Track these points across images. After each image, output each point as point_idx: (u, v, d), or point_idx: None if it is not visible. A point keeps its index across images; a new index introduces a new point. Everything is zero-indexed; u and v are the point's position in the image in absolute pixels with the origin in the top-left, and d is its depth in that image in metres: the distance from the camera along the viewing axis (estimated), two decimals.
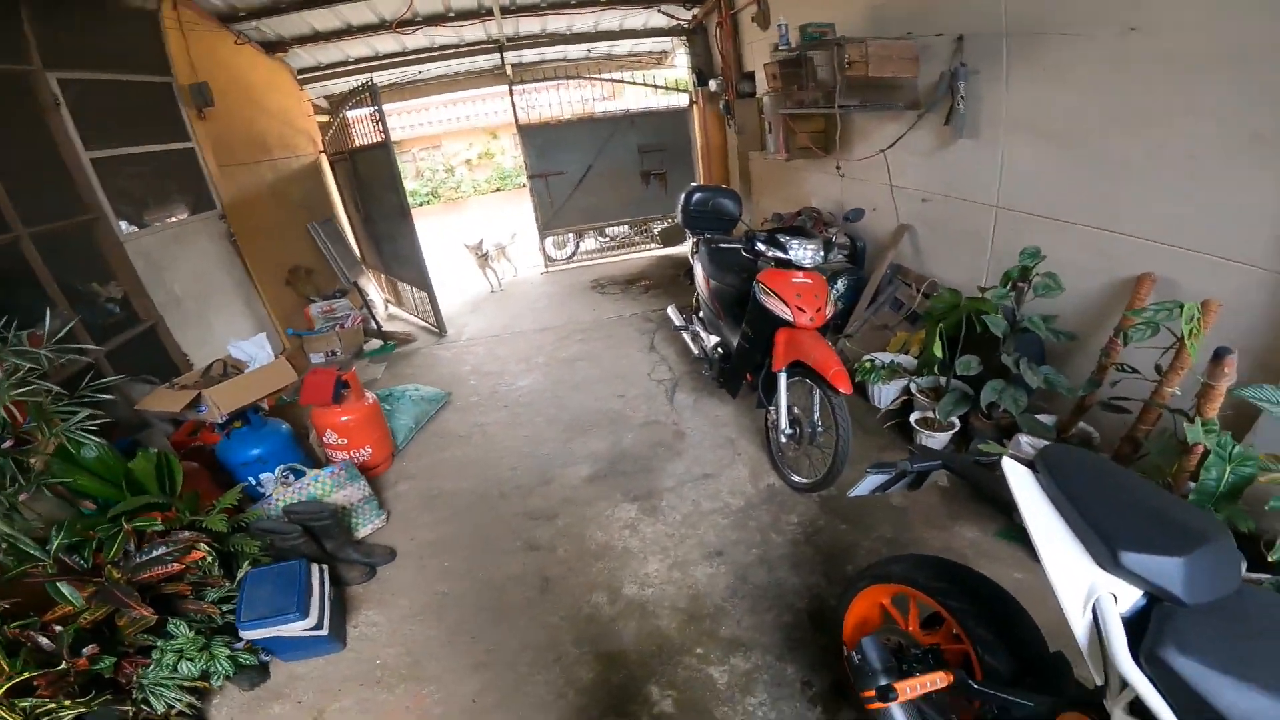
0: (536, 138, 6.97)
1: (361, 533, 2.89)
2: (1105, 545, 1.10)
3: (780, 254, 2.79)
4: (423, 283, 5.50)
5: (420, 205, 14.28)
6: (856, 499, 2.18)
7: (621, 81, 7.34)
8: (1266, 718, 0.88)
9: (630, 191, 7.35)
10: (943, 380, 2.92)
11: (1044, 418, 2.68)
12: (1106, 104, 2.48)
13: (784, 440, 2.89)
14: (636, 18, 6.61)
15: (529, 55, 7.30)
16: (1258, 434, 2.08)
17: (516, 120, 6.82)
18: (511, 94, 6.67)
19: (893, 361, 3.19)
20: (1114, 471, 1.31)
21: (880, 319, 3.71)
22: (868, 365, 3.17)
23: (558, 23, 6.49)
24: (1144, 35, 2.27)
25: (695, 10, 6.46)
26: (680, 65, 7.71)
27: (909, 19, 3.39)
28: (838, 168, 4.32)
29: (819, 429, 2.78)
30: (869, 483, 1.63)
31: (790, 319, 2.69)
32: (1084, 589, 1.11)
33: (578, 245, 7.88)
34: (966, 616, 1.46)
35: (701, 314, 3.96)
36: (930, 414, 2.97)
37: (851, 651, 1.55)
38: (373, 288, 6.74)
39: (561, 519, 2.87)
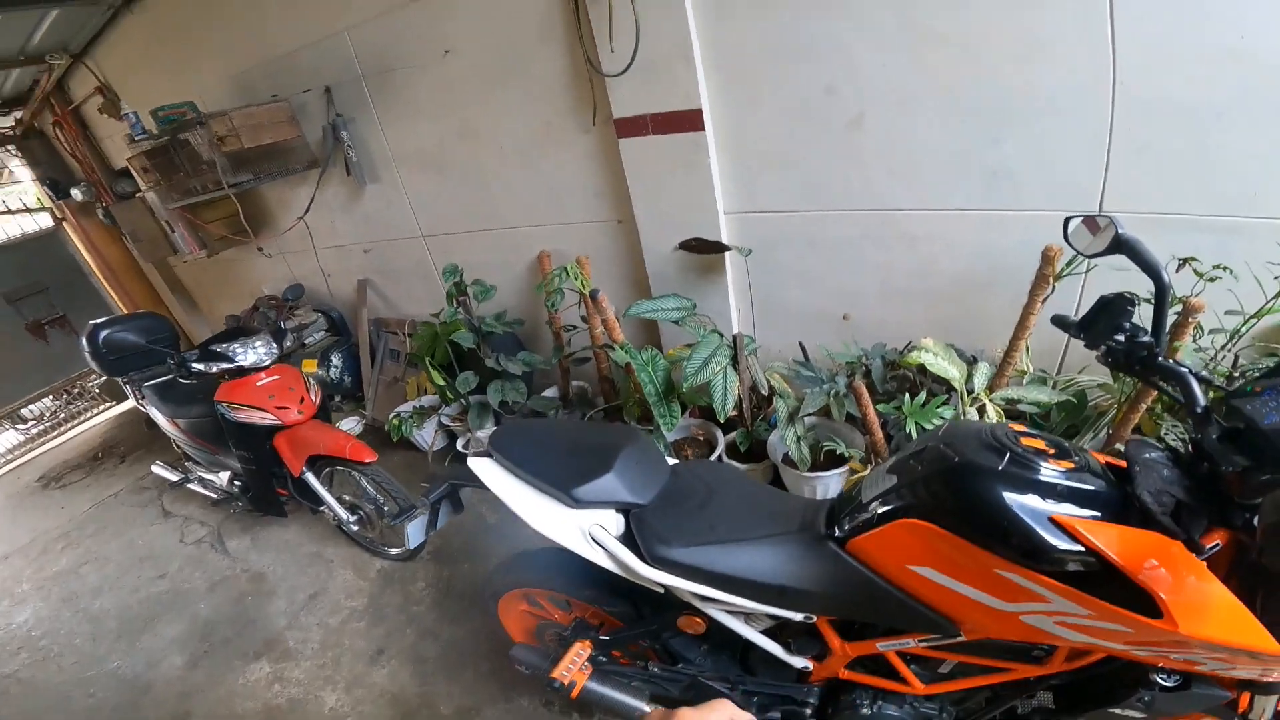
0: None
1: None
2: (562, 491, 1.34)
3: (227, 364, 2.48)
4: None
5: None
6: (424, 543, 2.16)
7: None
8: (713, 559, 1.25)
9: (23, 354, 5.52)
10: (462, 403, 3.11)
11: (549, 392, 3.16)
12: (452, 122, 2.93)
13: (355, 529, 2.78)
14: None
15: None
16: (663, 332, 2.84)
17: None
18: None
19: (415, 407, 3.26)
20: (543, 428, 1.59)
21: (388, 373, 3.77)
22: (395, 422, 3.17)
23: None
24: (456, 56, 2.75)
25: (18, 114, 5.07)
26: (25, 179, 5.95)
27: (273, 81, 3.35)
28: (260, 249, 4.06)
29: (380, 501, 2.68)
30: (413, 531, 1.64)
31: (278, 422, 2.45)
32: (576, 530, 1.33)
33: None
34: (565, 586, 1.61)
35: (194, 458, 3.29)
36: (471, 434, 3.15)
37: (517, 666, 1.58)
38: None
39: (196, 712, 2.42)
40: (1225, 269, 1.59)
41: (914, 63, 1.92)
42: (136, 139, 3.51)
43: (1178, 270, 1.62)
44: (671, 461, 1.54)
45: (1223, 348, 1.75)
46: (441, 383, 2.85)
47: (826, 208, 2.28)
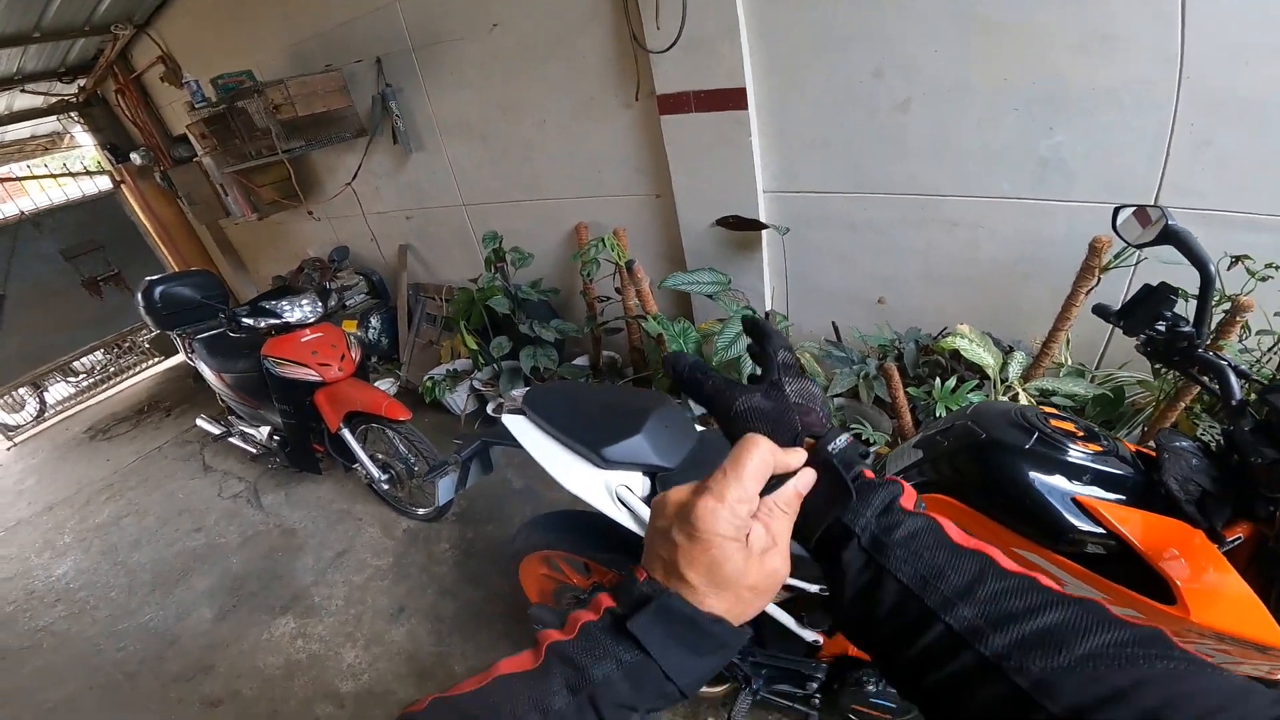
0: None
1: None
2: (591, 450, 1.37)
3: (275, 320, 2.60)
4: None
5: None
6: (451, 502, 2.23)
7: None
8: None
9: (80, 310, 5.82)
10: (495, 368, 3.20)
11: (579, 360, 3.23)
12: (496, 95, 3.00)
13: (386, 488, 2.88)
14: None
15: None
16: (695, 306, 2.88)
17: None
18: None
19: (448, 370, 3.36)
20: (576, 389, 1.63)
21: (424, 337, 3.89)
22: (428, 384, 3.27)
23: None
24: (503, 30, 2.80)
25: (81, 82, 5.28)
26: (87, 144, 6.24)
27: (327, 52, 3.46)
28: (310, 213, 4.21)
29: (411, 460, 2.79)
30: (443, 488, 1.69)
31: (319, 378, 2.56)
32: (603, 489, 1.36)
33: (42, 399, 5.88)
34: (585, 549, 1.64)
35: (237, 412, 3.46)
36: (501, 399, 3.24)
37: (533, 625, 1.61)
38: None
39: (220, 665, 2.53)
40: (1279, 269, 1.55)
41: (966, 51, 1.89)
42: (197, 106, 3.70)
43: (1229, 268, 1.56)
44: (699, 429, 1.57)
45: (1270, 349, 1.70)
46: (475, 346, 2.94)
47: (867, 190, 2.28)
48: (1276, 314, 1.63)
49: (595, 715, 0.42)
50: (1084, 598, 0.40)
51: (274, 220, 4.57)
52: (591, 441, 1.37)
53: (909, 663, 0.42)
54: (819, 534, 0.48)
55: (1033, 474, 1.00)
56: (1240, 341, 1.67)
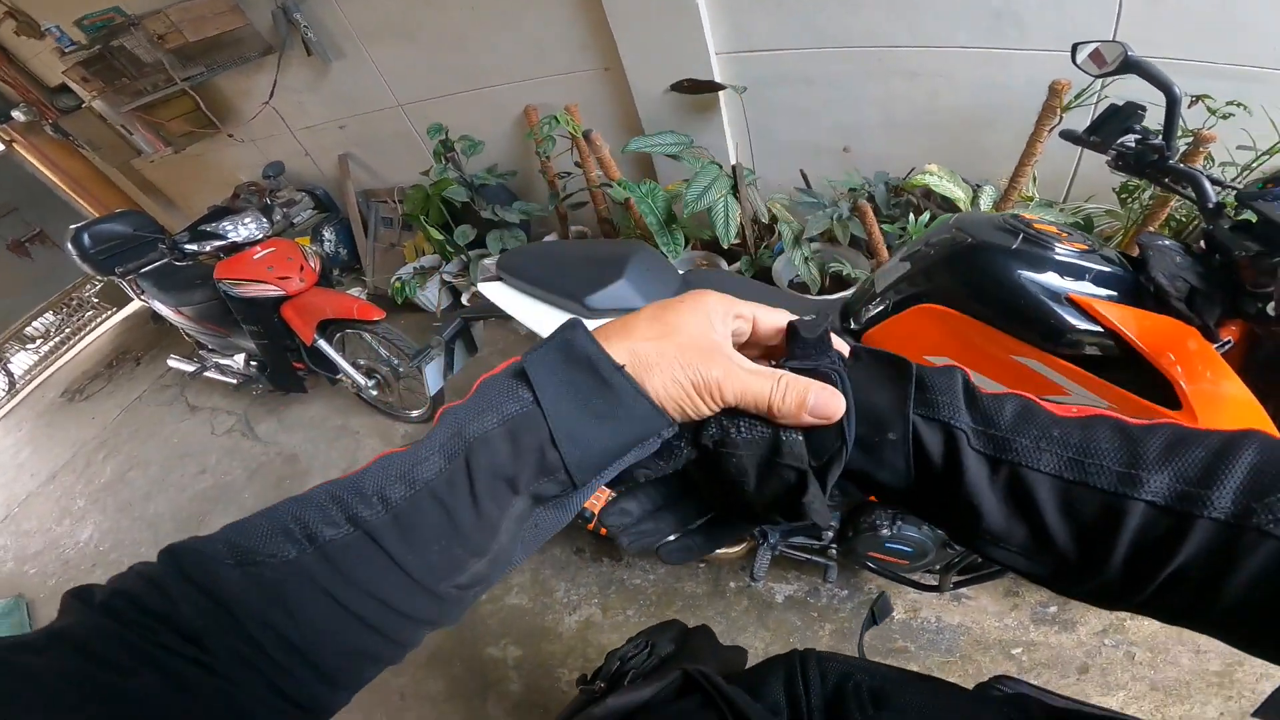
0: None
1: None
2: (574, 301, 1.30)
3: (220, 241, 2.37)
4: None
5: None
6: (443, 391, 2.15)
7: None
8: None
9: (11, 274, 5.43)
10: (463, 258, 3.03)
11: (548, 238, 3.08)
12: None
13: (374, 394, 2.78)
14: None
15: None
16: (659, 172, 2.73)
17: None
18: None
19: (415, 268, 3.19)
20: (550, 246, 1.54)
21: (383, 241, 3.69)
22: (398, 284, 3.10)
23: None
24: None
25: None
26: None
27: None
28: (230, 135, 3.87)
29: (395, 362, 2.67)
30: (431, 375, 1.61)
31: (281, 291, 2.37)
32: None
33: (8, 371, 5.52)
34: None
35: (207, 345, 3.24)
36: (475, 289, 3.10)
37: None
38: None
39: None
40: (1240, 105, 1.54)
41: None
42: (67, 51, 3.34)
43: (1189, 106, 1.55)
44: (681, 272, 1.49)
45: (1233, 180, 1.71)
46: (439, 238, 2.75)
47: (822, 45, 2.19)
48: (1239, 148, 1.66)
49: (468, 484, 0.34)
50: (1216, 429, 0.33)
51: (193, 152, 4.14)
52: (573, 292, 1.29)
53: (1122, 567, 0.32)
54: (899, 444, 0.36)
55: (1023, 272, 0.97)
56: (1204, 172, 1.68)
